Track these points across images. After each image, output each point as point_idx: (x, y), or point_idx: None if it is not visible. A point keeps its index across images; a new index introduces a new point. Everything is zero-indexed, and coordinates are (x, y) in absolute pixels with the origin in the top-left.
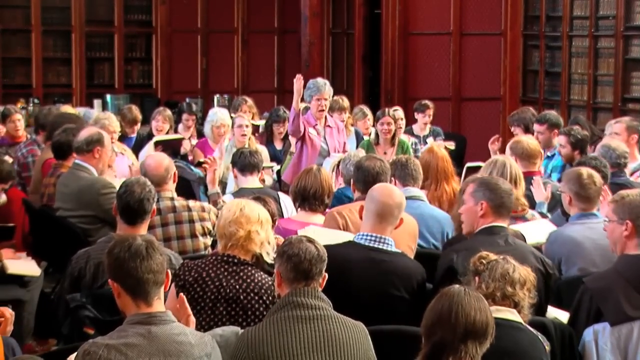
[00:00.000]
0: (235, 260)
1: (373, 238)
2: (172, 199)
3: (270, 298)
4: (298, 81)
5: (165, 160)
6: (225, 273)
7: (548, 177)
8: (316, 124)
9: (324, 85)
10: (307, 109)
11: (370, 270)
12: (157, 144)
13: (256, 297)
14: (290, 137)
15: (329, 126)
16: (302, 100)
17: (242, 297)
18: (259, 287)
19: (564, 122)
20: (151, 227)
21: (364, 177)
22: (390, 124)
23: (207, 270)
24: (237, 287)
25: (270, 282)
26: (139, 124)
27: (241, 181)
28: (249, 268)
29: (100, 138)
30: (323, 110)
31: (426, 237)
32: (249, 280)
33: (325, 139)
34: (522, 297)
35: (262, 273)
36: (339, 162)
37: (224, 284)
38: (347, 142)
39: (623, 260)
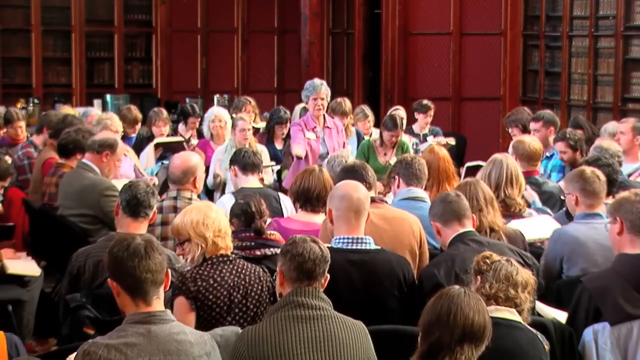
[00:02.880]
0: (231, 259)
1: (350, 240)
2: (190, 199)
3: (269, 283)
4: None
5: (188, 162)
6: (228, 273)
7: (548, 177)
8: (315, 127)
9: (320, 85)
10: (305, 109)
11: (354, 273)
12: (157, 146)
13: (257, 281)
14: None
15: (328, 127)
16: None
17: (249, 289)
18: (256, 275)
19: (564, 122)
20: (164, 224)
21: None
22: (399, 135)
23: (213, 277)
24: (243, 283)
25: (258, 268)
26: (139, 124)
27: (241, 180)
28: (238, 261)
29: (114, 144)
30: (320, 109)
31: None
32: (246, 272)
33: (323, 140)
34: (524, 300)
35: (245, 262)
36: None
37: (231, 283)
38: (348, 142)
39: (621, 260)
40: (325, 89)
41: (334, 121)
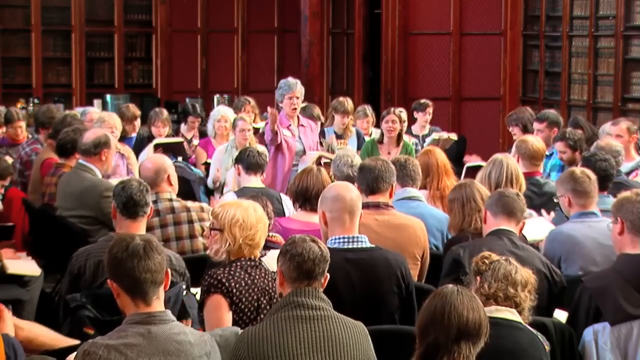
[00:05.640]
0: (257, 264)
1: (345, 239)
2: (170, 199)
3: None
4: (272, 113)
5: (157, 163)
6: (257, 276)
7: (547, 177)
8: (289, 124)
9: (295, 84)
10: (305, 109)
11: (352, 272)
12: (156, 146)
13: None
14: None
15: (302, 125)
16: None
17: (272, 295)
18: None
19: (564, 122)
20: (150, 229)
21: (365, 177)
22: (395, 122)
23: (244, 279)
24: (267, 289)
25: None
26: (138, 120)
27: (244, 180)
28: (262, 267)
29: (108, 140)
30: (296, 108)
31: None
32: (270, 277)
33: (300, 138)
34: (524, 298)
35: (268, 268)
36: (319, 158)
37: (260, 287)
38: (347, 143)
39: (622, 260)
40: (300, 88)
41: (307, 120)
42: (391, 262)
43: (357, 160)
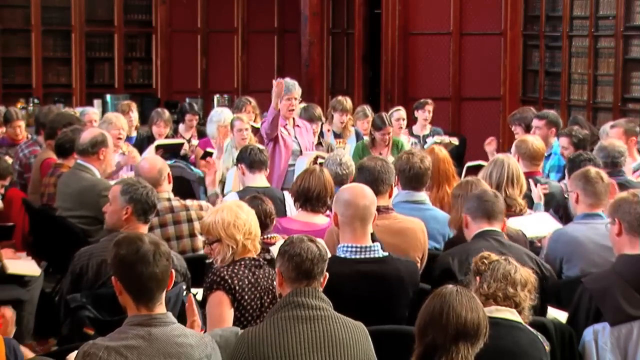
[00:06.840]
0: (261, 264)
1: (358, 249)
2: (169, 199)
3: None
4: (278, 85)
5: (158, 163)
6: (260, 276)
7: (547, 177)
8: (286, 124)
9: (294, 85)
10: (305, 109)
11: (362, 284)
12: (157, 147)
13: None
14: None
15: (297, 126)
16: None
17: (275, 294)
18: None
19: (564, 122)
20: (149, 228)
21: (365, 178)
22: (390, 132)
23: (248, 277)
24: (271, 288)
25: None
26: (135, 112)
27: (248, 179)
28: (265, 267)
29: (105, 139)
30: (293, 110)
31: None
32: (273, 277)
33: (296, 138)
34: (524, 298)
35: (271, 269)
36: (316, 158)
37: (263, 286)
38: (347, 142)
39: (622, 260)
40: (298, 89)
41: (302, 121)
42: (403, 276)
43: (346, 159)
